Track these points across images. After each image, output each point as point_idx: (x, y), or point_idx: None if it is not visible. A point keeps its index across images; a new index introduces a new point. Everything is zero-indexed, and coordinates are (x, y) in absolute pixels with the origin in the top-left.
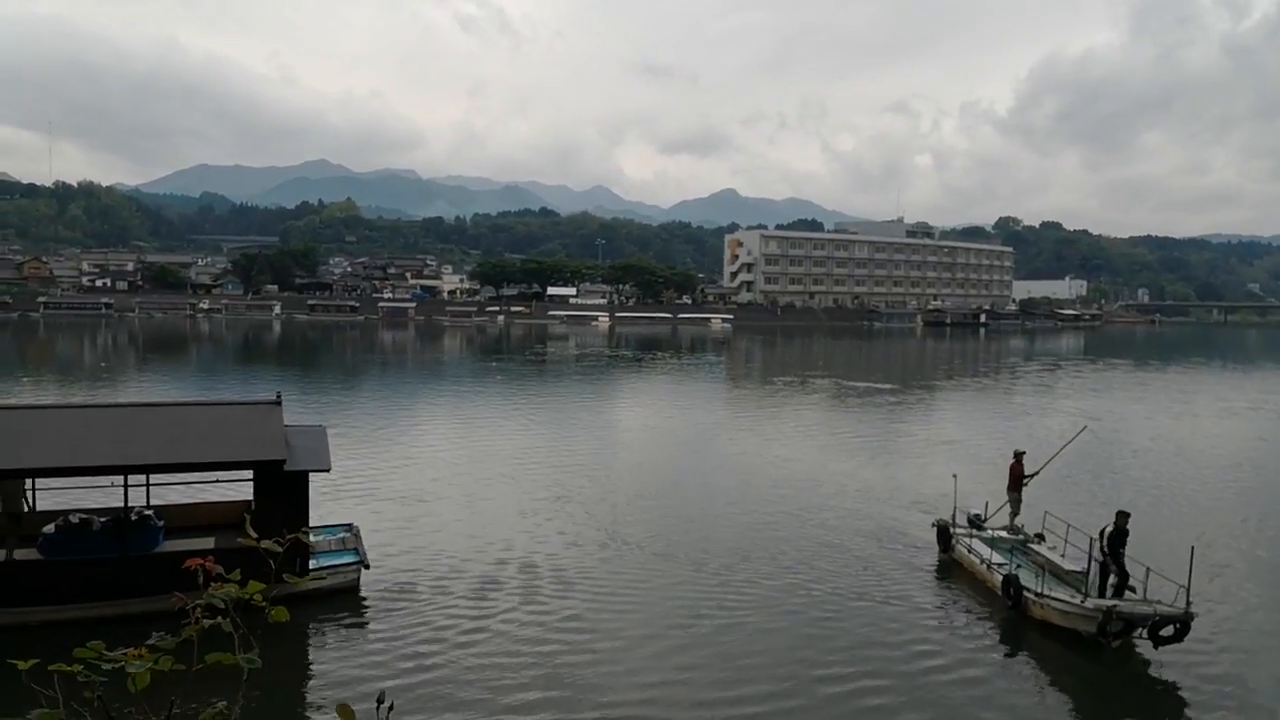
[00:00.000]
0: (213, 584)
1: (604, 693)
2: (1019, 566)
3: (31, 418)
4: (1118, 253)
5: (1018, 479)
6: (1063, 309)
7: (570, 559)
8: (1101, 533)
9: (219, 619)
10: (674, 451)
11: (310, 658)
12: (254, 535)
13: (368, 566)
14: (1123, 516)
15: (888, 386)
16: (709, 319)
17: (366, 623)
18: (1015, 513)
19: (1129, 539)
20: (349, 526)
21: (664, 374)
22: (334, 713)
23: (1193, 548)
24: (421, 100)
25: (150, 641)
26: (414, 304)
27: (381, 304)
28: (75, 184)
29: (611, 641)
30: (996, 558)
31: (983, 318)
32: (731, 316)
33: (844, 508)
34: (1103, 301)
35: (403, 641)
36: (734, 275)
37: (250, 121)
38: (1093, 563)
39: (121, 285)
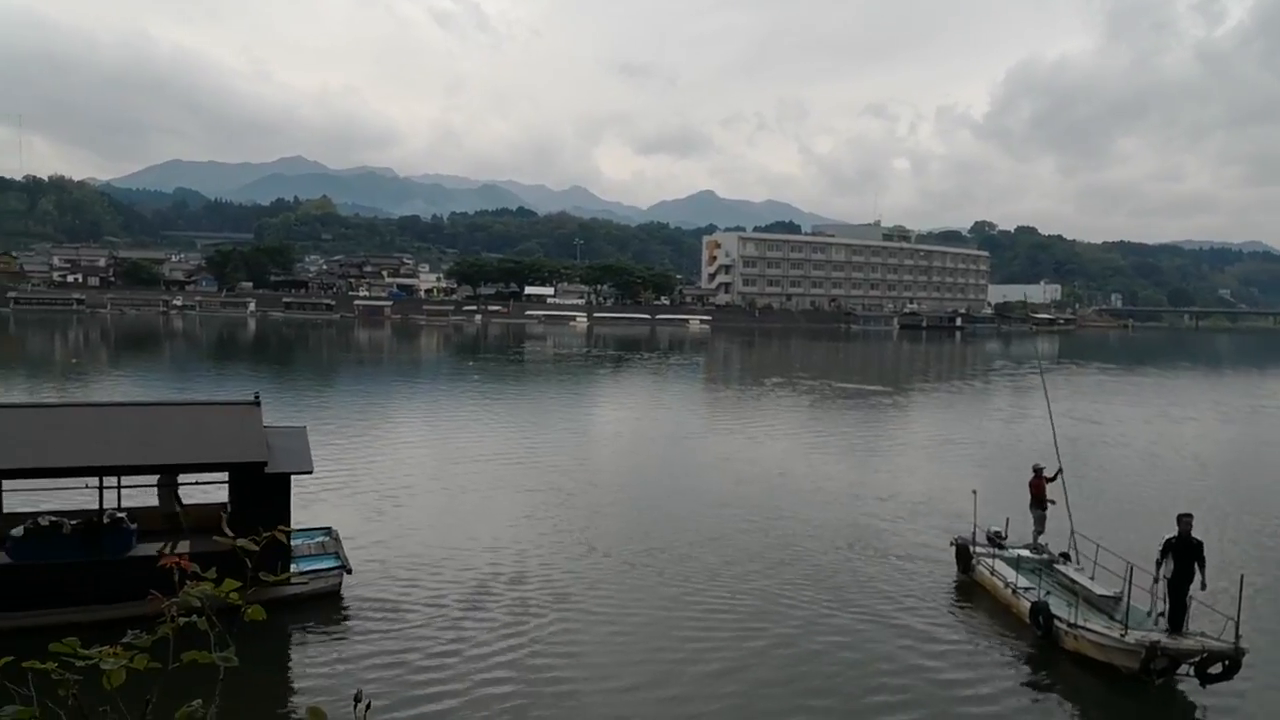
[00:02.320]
0: (189, 583)
1: (594, 711)
2: (1048, 592)
3: (0, 417)
4: (1091, 258)
5: (1040, 495)
6: (1037, 313)
7: (558, 567)
8: (1166, 548)
9: (194, 617)
10: (661, 454)
11: (291, 662)
12: (230, 534)
13: (349, 571)
14: (1185, 521)
15: (877, 388)
16: (687, 320)
17: (348, 629)
18: (1039, 531)
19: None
20: (328, 530)
21: (645, 375)
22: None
23: (1242, 576)
24: (398, 97)
25: (125, 640)
26: (391, 303)
27: (358, 302)
28: (46, 178)
29: (603, 657)
30: (1022, 581)
31: (958, 321)
32: (710, 318)
33: (846, 517)
34: (1076, 306)
35: (385, 649)
36: (712, 277)
37: (223, 116)
38: (1155, 585)
39: (94, 281)
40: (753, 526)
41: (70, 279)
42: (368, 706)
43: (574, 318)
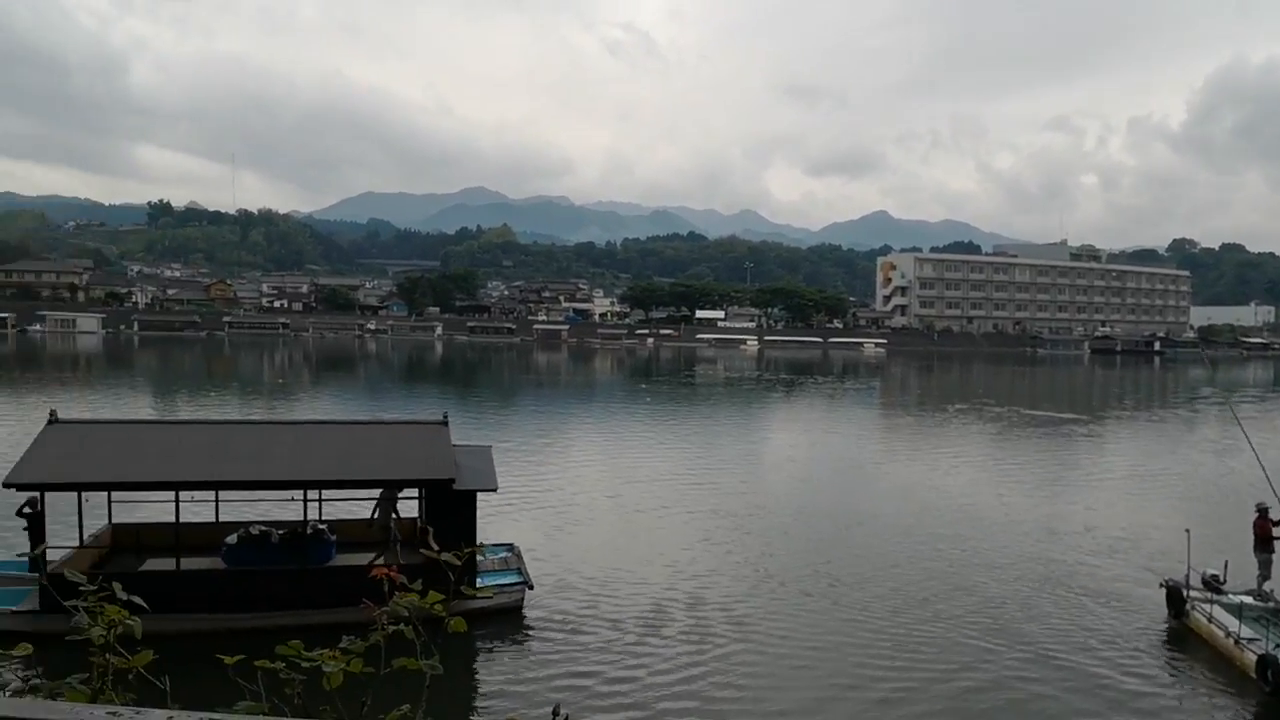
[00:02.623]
0: (397, 593)
1: None
2: (1277, 645)
3: (219, 433)
4: None
5: (1266, 537)
6: (1248, 337)
7: (734, 593)
8: None
9: (401, 626)
10: (837, 480)
11: (482, 672)
12: (435, 548)
13: (531, 587)
14: None
15: (1069, 416)
16: (861, 343)
17: (531, 647)
18: (1265, 576)
19: None
20: (510, 546)
21: (818, 399)
22: None
23: None
24: (571, 126)
25: (342, 645)
26: (567, 326)
27: (536, 326)
28: (256, 211)
29: (785, 691)
30: (1246, 631)
31: (1157, 345)
32: (885, 341)
33: (1037, 553)
34: None
35: (568, 669)
36: (887, 299)
37: (410, 149)
38: None
39: (297, 306)
40: (935, 559)
41: (277, 304)
42: (566, 718)
43: (744, 341)
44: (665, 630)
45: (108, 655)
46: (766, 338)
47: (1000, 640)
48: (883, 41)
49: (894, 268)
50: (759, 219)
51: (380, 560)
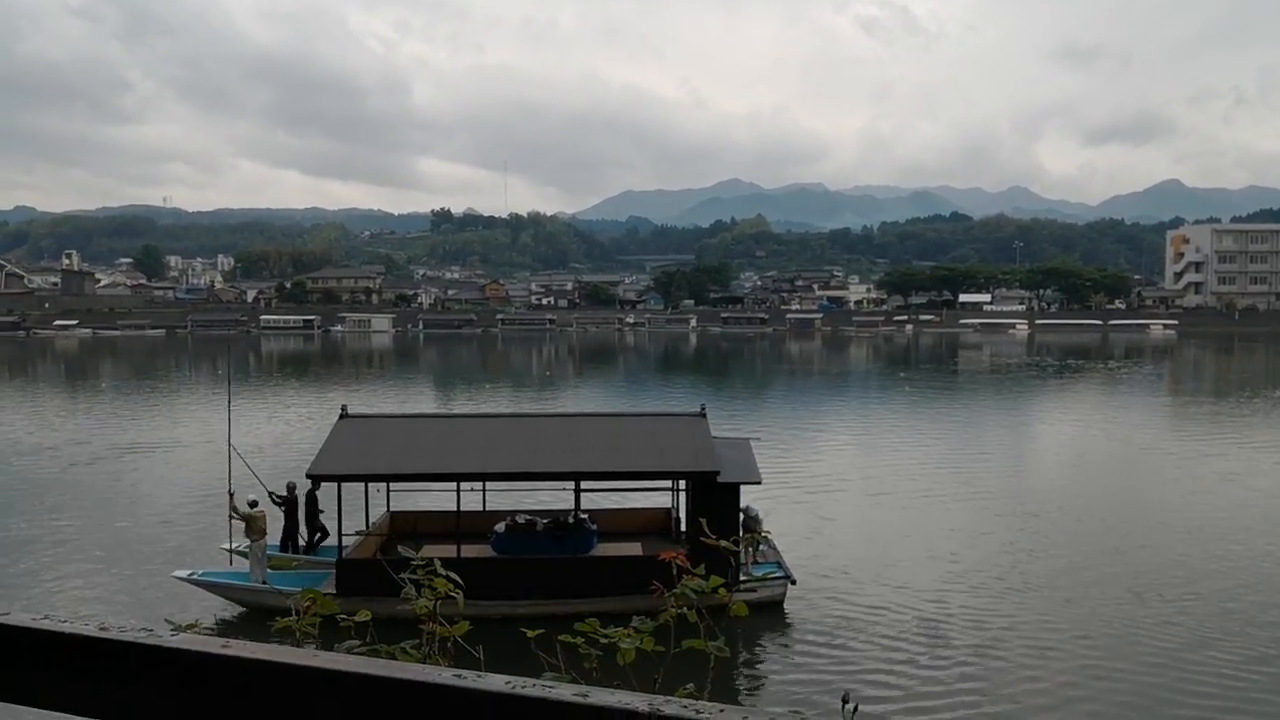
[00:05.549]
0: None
1: None
2: None
3: (490, 426)
4: None
5: None
6: None
7: (1022, 606)
8: None
9: (685, 609)
10: (1128, 481)
11: (756, 660)
12: (713, 538)
13: (794, 582)
14: None
15: None
16: (1147, 325)
17: (799, 639)
18: None
19: None
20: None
21: (1101, 386)
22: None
23: None
24: (825, 111)
25: (634, 624)
26: (820, 315)
27: (789, 316)
28: (525, 215)
29: None
30: None
31: None
32: (1175, 322)
33: None
34: None
35: (844, 663)
36: (1178, 276)
37: (667, 147)
38: None
39: (562, 303)
40: (1260, 576)
41: (544, 301)
42: (855, 709)
43: (1013, 325)
44: (949, 645)
45: (434, 624)
46: (1038, 321)
47: None
48: None
49: (1186, 241)
50: (1029, 195)
51: (641, 550)
